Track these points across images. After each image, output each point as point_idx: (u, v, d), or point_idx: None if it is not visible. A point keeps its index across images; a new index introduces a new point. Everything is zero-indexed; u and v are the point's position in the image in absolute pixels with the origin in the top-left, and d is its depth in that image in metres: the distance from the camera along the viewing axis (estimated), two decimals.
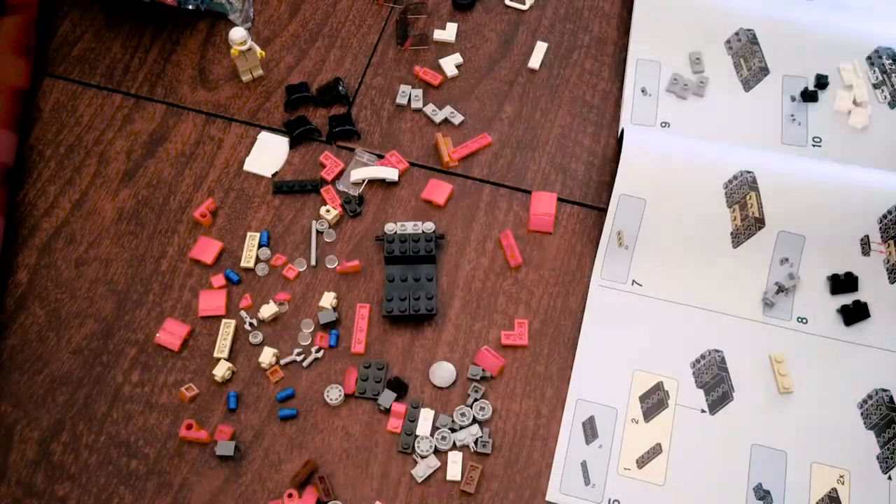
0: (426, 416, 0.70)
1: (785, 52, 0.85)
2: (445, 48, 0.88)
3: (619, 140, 0.81)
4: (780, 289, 0.73)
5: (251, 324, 0.74)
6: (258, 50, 0.84)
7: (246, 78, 0.86)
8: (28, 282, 0.77)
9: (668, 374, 0.72)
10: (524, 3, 0.90)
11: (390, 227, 0.76)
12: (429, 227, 0.76)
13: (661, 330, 0.74)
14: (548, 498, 0.68)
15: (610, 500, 0.67)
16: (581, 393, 0.71)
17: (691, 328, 0.74)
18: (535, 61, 0.87)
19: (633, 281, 0.76)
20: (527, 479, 0.69)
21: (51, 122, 0.85)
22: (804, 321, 0.74)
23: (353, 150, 0.83)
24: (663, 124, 0.82)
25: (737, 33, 0.86)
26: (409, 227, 0.76)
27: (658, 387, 0.72)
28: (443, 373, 0.72)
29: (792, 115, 0.82)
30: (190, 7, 0.87)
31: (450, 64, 0.87)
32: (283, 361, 0.73)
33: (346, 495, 0.68)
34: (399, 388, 0.71)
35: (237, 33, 0.81)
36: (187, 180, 0.82)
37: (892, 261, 0.74)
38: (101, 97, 0.86)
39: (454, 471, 0.68)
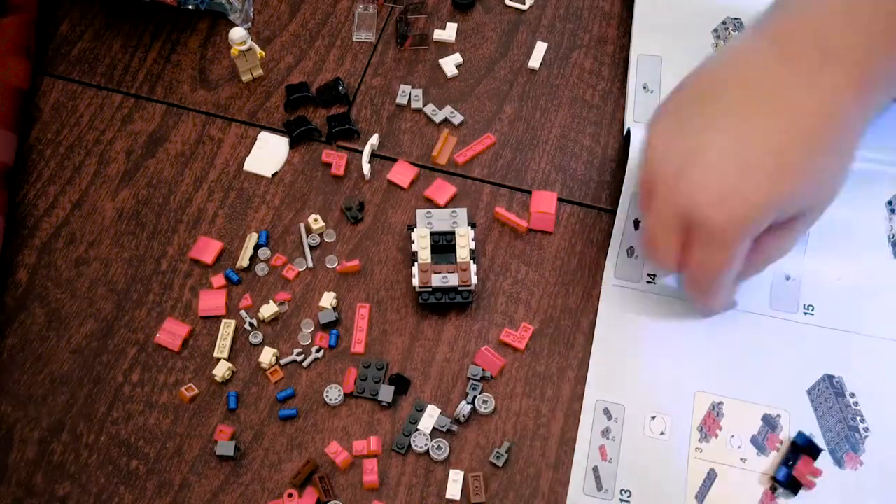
0: (431, 413, 0.70)
1: None
2: (445, 48, 0.88)
3: (625, 139, 0.81)
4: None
5: (251, 324, 0.74)
6: (258, 50, 0.84)
7: (246, 78, 0.86)
8: (28, 282, 0.77)
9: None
10: (524, 3, 0.90)
11: (420, 215, 0.76)
12: (461, 215, 0.76)
13: (676, 328, 0.74)
14: (569, 501, 0.68)
15: (622, 490, 0.68)
16: (599, 395, 0.71)
17: (704, 325, 0.74)
18: (535, 61, 0.87)
19: (648, 275, 0.76)
20: (526, 479, 0.69)
21: (51, 121, 0.85)
22: (810, 310, 0.74)
23: (353, 150, 0.83)
24: None
25: (724, 22, 0.86)
26: (438, 216, 0.76)
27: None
28: None
29: None
30: (190, 7, 0.87)
31: (449, 64, 0.87)
32: (282, 361, 0.73)
33: (347, 495, 0.68)
34: (400, 383, 0.71)
35: (237, 33, 0.81)
36: (187, 180, 0.82)
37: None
38: (101, 97, 0.86)
39: (454, 490, 0.68)
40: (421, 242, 0.74)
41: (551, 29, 0.89)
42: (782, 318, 0.74)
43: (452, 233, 0.75)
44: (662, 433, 0.70)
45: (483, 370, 0.72)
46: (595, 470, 0.69)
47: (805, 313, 0.74)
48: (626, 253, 0.77)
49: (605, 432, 0.70)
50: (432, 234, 0.75)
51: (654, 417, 0.70)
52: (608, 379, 0.72)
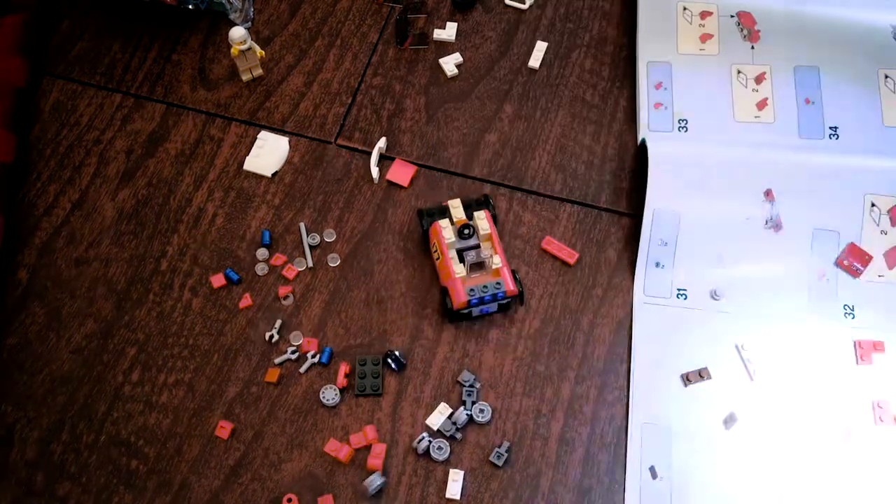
0: (442, 410, 0.71)
1: (792, 42, 0.85)
2: (445, 47, 0.88)
3: (640, 147, 0.81)
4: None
5: (271, 336, 0.74)
6: (258, 49, 0.84)
7: (246, 77, 0.86)
8: (28, 281, 0.77)
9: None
10: (524, 3, 0.90)
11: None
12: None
13: (713, 343, 0.73)
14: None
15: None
16: (645, 417, 0.71)
17: (742, 337, 0.73)
18: (535, 61, 0.87)
19: (678, 290, 0.75)
20: (526, 479, 0.69)
21: (51, 121, 0.85)
22: (851, 315, 0.74)
23: (357, 150, 0.83)
24: (681, 122, 0.82)
25: (738, 24, 0.86)
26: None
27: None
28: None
29: (807, 98, 0.82)
30: (190, 7, 0.87)
31: (450, 63, 0.87)
32: (277, 360, 0.73)
33: (347, 495, 0.68)
34: (396, 363, 0.72)
35: (237, 32, 0.81)
36: (187, 180, 0.82)
37: None
38: (101, 97, 0.86)
39: (454, 489, 0.68)
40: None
41: (551, 28, 0.89)
42: (823, 323, 0.73)
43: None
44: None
45: (475, 377, 0.72)
46: (648, 493, 0.68)
47: (846, 315, 0.74)
48: (654, 265, 0.76)
49: (655, 456, 0.69)
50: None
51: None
52: (652, 401, 0.71)
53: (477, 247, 0.74)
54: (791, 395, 0.71)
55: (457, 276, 0.72)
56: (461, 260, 0.74)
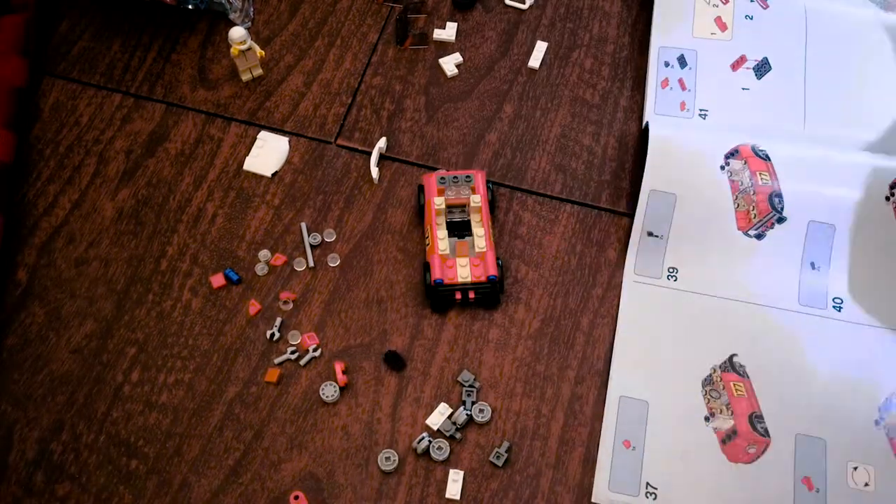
0: (442, 410, 0.71)
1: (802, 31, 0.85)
2: (445, 47, 0.88)
3: (642, 133, 0.81)
4: None
5: (271, 335, 0.74)
6: (258, 49, 0.84)
7: (246, 77, 0.86)
8: (28, 281, 0.77)
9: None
10: (524, 3, 0.90)
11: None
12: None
13: (698, 323, 0.73)
14: (594, 499, 0.68)
15: (647, 483, 0.68)
16: (623, 390, 0.71)
17: (729, 321, 0.73)
18: (535, 61, 0.87)
19: (669, 270, 0.75)
20: (526, 479, 0.69)
21: (50, 121, 0.85)
22: (839, 307, 0.74)
23: (358, 150, 0.83)
24: (686, 106, 0.82)
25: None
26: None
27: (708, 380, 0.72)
28: None
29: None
30: (189, 7, 0.87)
31: (449, 63, 0.87)
32: (277, 360, 0.73)
33: (347, 495, 0.68)
34: (396, 361, 0.71)
35: (237, 32, 0.81)
36: (187, 180, 0.82)
37: None
38: (101, 96, 0.86)
39: (454, 489, 0.68)
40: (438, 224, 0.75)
41: (551, 28, 0.89)
42: (812, 315, 0.73)
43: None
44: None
45: (474, 378, 0.72)
46: (620, 465, 0.68)
47: (834, 307, 0.74)
48: (647, 244, 0.76)
49: (629, 430, 0.70)
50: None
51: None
52: (631, 376, 0.72)
53: (467, 223, 0.75)
54: (774, 381, 0.71)
55: (440, 252, 0.72)
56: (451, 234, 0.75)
